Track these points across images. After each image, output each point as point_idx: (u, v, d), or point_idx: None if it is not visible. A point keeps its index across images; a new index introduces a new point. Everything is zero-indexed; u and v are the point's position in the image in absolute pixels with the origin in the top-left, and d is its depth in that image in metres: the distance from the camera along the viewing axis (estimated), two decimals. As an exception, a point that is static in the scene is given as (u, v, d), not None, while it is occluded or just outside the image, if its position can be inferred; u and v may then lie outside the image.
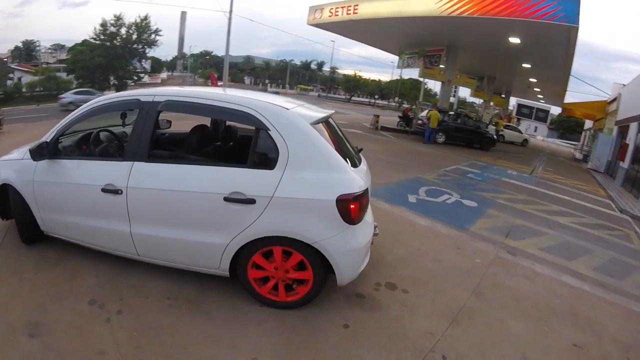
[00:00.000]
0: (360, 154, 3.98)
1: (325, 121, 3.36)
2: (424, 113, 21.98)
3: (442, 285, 3.94)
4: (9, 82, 42.77)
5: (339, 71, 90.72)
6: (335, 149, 3.06)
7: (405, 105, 27.40)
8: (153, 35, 41.36)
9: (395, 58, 26.08)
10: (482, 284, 4.15)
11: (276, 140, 2.87)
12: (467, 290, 4.00)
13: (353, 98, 73.79)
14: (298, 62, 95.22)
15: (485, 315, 3.53)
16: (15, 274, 3.48)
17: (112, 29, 39.95)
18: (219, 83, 30.21)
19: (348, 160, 3.14)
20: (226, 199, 2.87)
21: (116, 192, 3.13)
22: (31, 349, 2.68)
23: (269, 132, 2.88)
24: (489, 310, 3.62)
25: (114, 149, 3.81)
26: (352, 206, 2.84)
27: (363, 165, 3.59)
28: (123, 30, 40.25)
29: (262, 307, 3.21)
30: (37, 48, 76.65)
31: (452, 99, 29.68)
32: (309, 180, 2.86)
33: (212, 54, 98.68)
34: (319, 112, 3.33)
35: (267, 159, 2.93)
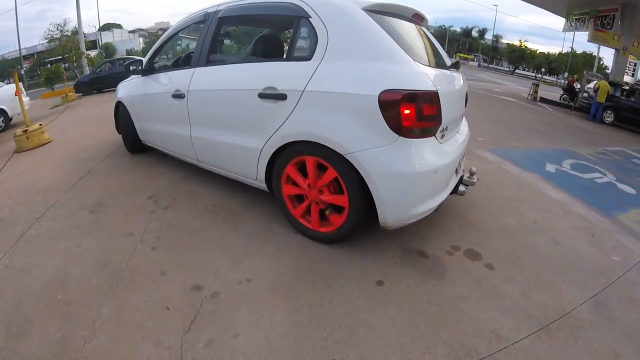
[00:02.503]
0: (457, 67, 3.39)
1: (397, 15, 2.94)
2: (592, 85, 17.78)
3: (548, 276, 2.92)
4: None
5: (503, 40, 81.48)
6: (404, 44, 2.59)
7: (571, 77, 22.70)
8: None
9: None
10: (611, 293, 2.90)
11: (316, 26, 2.66)
12: (583, 293, 2.83)
13: (517, 71, 65.44)
14: (458, 29, 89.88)
15: (596, 338, 2.44)
16: (110, 174, 4.60)
17: None
18: None
19: (421, 57, 2.70)
20: (260, 95, 2.83)
21: (181, 96, 3.57)
22: (83, 221, 3.50)
23: (309, 19, 2.71)
24: (606, 332, 2.45)
25: (189, 59, 4.17)
26: (404, 109, 2.29)
27: (451, 73, 3.04)
28: None
29: (294, 234, 3.10)
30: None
31: (628, 78, 23.68)
32: (348, 71, 2.47)
33: None
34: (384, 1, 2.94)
35: (304, 50, 2.76)
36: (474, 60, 76.88)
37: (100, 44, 55.57)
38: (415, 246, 3.00)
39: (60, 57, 33.25)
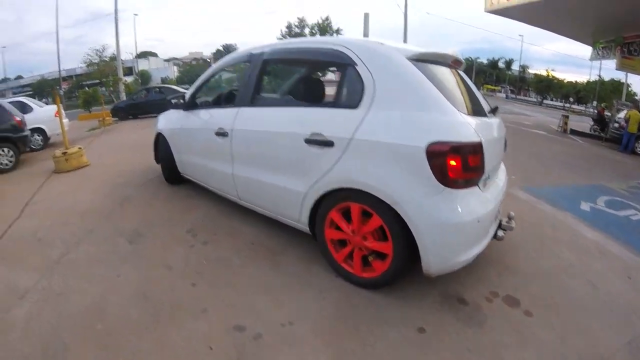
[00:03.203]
0: (495, 112, 3.45)
1: (437, 62, 3.06)
2: (622, 114, 17.25)
3: (586, 321, 2.89)
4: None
5: (530, 70, 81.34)
6: (446, 91, 2.68)
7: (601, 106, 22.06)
8: (335, 34, 45.71)
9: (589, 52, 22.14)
10: (648, 337, 2.88)
11: (363, 75, 2.76)
12: (620, 338, 2.82)
13: (545, 101, 64.73)
14: (485, 61, 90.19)
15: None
16: (148, 201, 4.81)
17: (296, 29, 46.93)
18: None
19: (462, 106, 2.77)
20: (306, 141, 2.92)
21: (224, 134, 3.73)
22: (122, 249, 3.61)
23: (356, 67, 2.81)
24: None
25: (233, 98, 4.33)
26: (450, 160, 2.37)
27: (490, 121, 3.11)
28: (306, 31, 46.70)
29: (335, 278, 3.09)
30: (235, 50, 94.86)
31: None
32: (395, 121, 2.56)
33: None
34: (423, 49, 3.06)
35: (352, 98, 2.84)
36: (501, 92, 77.30)
37: (136, 70, 58.13)
38: (454, 292, 3.00)
39: (98, 81, 34.70)
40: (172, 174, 5.17)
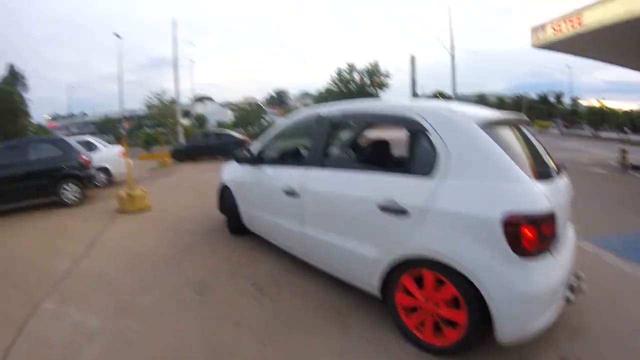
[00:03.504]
0: (562, 172, 3.37)
1: (507, 124, 3.12)
2: None
3: None
4: (263, 122, 57.13)
5: (581, 102, 78.43)
6: (516, 157, 2.71)
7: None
8: (383, 78, 47.34)
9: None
10: None
11: (435, 143, 2.79)
12: None
13: (599, 132, 61.49)
14: (534, 95, 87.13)
15: None
16: (213, 251, 4.87)
17: (346, 75, 48.15)
18: None
19: (532, 171, 2.76)
20: (380, 207, 2.94)
21: (293, 194, 3.79)
22: (188, 299, 3.65)
23: (428, 134, 2.85)
24: None
25: (301, 156, 4.69)
26: (525, 230, 2.38)
27: (558, 183, 3.07)
28: (356, 76, 47.98)
29: (404, 343, 2.97)
30: (287, 95, 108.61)
31: None
32: (469, 190, 2.59)
33: (444, 93, 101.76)
34: (493, 113, 3.11)
35: (425, 165, 2.85)
36: (553, 127, 76.13)
37: (193, 113, 61.02)
38: (525, 357, 2.84)
39: (157, 122, 36.48)
40: (236, 225, 5.29)
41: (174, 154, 19.67)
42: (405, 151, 4.30)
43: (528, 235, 2.37)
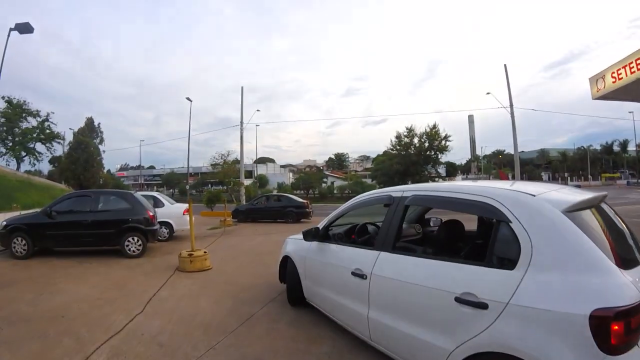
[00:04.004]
0: None
1: (590, 207, 2.90)
2: None
3: None
4: (323, 185, 60.10)
5: None
6: (601, 244, 2.52)
7: None
8: (443, 142, 45.88)
9: None
10: None
11: (518, 233, 2.65)
12: None
13: None
14: (597, 147, 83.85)
15: None
16: (272, 325, 4.63)
17: (406, 139, 47.17)
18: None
19: (618, 257, 2.54)
20: (457, 299, 2.78)
21: (362, 276, 3.68)
22: None
23: (509, 224, 2.72)
24: None
25: (371, 239, 4.58)
26: (614, 327, 2.19)
27: None
28: (415, 140, 46.81)
29: None
30: (347, 159, 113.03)
31: None
32: (554, 285, 2.42)
33: (505, 152, 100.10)
34: (577, 196, 2.94)
35: (506, 257, 2.72)
36: (621, 178, 71.06)
37: (255, 174, 63.17)
38: None
39: (220, 182, 37.85)
40: (297, 298, 5.19)
41: (235, 214, 20.19)
42: (480, 234, 4.03)
43: (616, 330, 2.20)
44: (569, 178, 79.02)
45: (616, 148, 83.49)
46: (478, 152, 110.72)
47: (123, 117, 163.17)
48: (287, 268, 5.39)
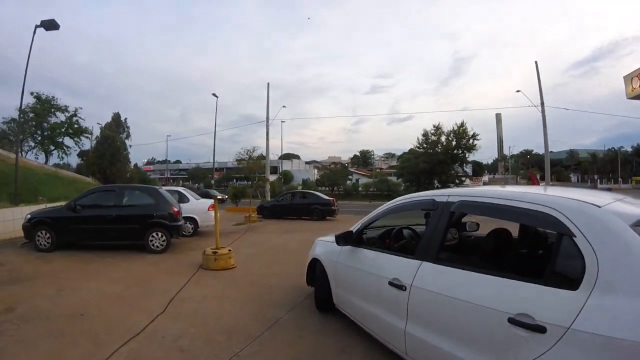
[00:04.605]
0: None
1: None
2: None
3: None
4: (348, 182, 59.67)
5: None
6: None
7: None
8: (471, 140, 45.08)
9: None
10: None
11: (583, 249, 2.39)
12: None
13: None
14: (628, 148, 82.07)
15: None
16: (298, 331, 4.40)
17: (433, 137, 46.43)
18: (541, 183, 33.47)
19: None
20: (510, 320, 2.53)
21: (401, 287, 3.42)
22: None
23: (573, 238, 2.45)
24: None
25: (409, 245, 4.26)
26: None
27: None
28: (443, 138, 45.98)
29: None
30: (372, 156, 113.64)
31: None
32: (622, 311, 2.17)
33: (533, 152, 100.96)
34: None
35: (569, 276, 2.48)
36: None
37: (280, 170, 63.28)
38: None
39: (245, 177, 38.05)
40: (325, 304, 4.93)
41: (261, 210, 20.17)
42: (522, 241, 3.81)
43: None
44: (598, 180, 77.59)
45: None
46: (505, 151, 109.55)
47: (150, 113, 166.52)
48: (316, 272, 5.14)
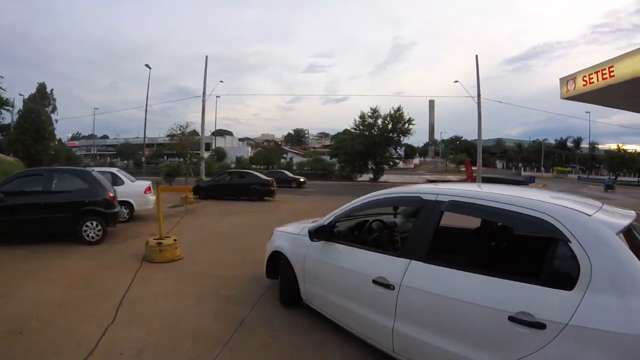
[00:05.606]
0: None
1: (633, 228, 2.99)
2: None
3: None
4: (282, 161, 60.60)
5: (600, 147, 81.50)
6: None
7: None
8: (407, 125, 47.39)
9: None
10: None
11: (577, 254, 2.64)
12: None
13: (619, 178, 62.05)
14: (552, 141, 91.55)
15: None
16: (268, 330, 4.18)
17: (370, 120, 48.22)
18: (473, 168, 37.65)
19: None
20: (511, 319, 2.70)
21: (388, 286, 3.40)
22: None
23: (568, 244, 2.69)
24: None
25: (386, 240, 4.33)
26: None
27: None
28: (379, 121, 47.94)
29: None
30: (306, 135, 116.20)
31: None
32: (611, 307, 2.46)
33: (462, 139, 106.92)
34: (622, 218, 3.02)
35: (564, 277, 2.72)
36: (572, 173, 76.93)
37: (214, 147, 61.78)
38: None
39: (177, 154, 36.75)
40: (291, 298, 4.79)
41: (197, 190, 19.39)
42: (526, 247, 3.86)
43: None
44: (522, 168, 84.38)
45: (570, 144, 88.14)
46: (437, 137, 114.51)
47: (77, 82, 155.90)
48: (280, 266, 4.94)
